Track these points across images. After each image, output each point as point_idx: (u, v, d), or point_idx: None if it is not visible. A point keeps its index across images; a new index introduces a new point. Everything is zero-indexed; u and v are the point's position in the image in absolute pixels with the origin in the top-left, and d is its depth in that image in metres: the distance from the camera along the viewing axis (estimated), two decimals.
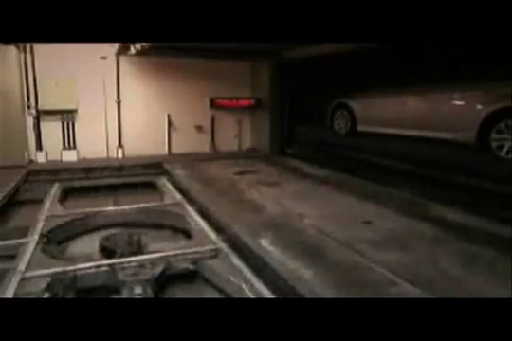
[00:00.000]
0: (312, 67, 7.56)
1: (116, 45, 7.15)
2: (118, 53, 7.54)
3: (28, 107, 7.31)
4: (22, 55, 7.12)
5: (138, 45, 6.18)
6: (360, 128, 6.89)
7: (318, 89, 7.80)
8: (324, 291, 2.34)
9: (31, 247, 3.46)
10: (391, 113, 6.16)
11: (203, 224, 4.13)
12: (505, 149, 4.45)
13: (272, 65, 8.18)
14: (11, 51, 6.99)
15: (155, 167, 7.30)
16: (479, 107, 4.71)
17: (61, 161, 7.53)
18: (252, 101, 8.67)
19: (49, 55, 7.15)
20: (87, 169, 7.07)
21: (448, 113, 5.18)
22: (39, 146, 7.47)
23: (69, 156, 7.60)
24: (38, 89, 7.28)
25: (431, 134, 5.46)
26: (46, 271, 2.94)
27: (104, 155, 7.97)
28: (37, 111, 7.35)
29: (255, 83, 8.86)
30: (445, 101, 5.24)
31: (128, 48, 6.72)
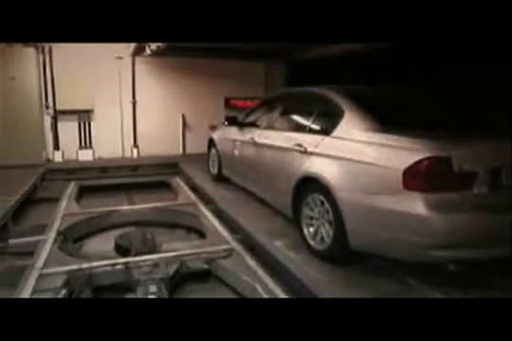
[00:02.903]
0: (326, 68, 7.49)
1: (131, 46, 7.23)
2: (134, 54, 7.63)
3: (46, 107, 7.44)
4: (40, 56, 7.25)
5: (154, 46, 6.24)
6: (225, 172, 5.53)
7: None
8: None
9: (49, 245, 3.52)
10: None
11: (217, 224, 4.14)
12: (318, 234, 3.07)
13: (286, 66, 8.16)
14: (30, 52, 7.14)
15: None
16: (295, 168, 3.43)
17: (77, 160, 7.64)
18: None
19: (66, 56, 7.27)
20: (103, 168, 7.16)
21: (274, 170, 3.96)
22: (56, 145, 7.60)
23: (85, 156, 7.72)
24: (55, 89, 7.41)
25: (261, 194, 4.34)
26: (63, 268, 2.98)
27: (119, 155, 8.07)
28: (54, 111, 7.48)
29: (269, 84, 8.86)
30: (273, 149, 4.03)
31: (144, 49, 6.79)
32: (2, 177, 6.17)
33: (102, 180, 6.80)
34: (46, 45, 7.21)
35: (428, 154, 2.44)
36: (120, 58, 7.74)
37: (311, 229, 3.19)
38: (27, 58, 7.16)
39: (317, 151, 3.24)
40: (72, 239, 4.04)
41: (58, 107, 7.47)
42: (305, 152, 3.37)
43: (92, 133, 7.81)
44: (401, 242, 2.54)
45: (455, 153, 2.45)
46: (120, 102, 7.93)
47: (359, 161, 2.79)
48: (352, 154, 2.87)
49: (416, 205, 2.44)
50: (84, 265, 3.03)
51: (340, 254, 2.93)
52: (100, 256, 3.49)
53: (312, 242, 3.14)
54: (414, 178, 2.46)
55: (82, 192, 6.14)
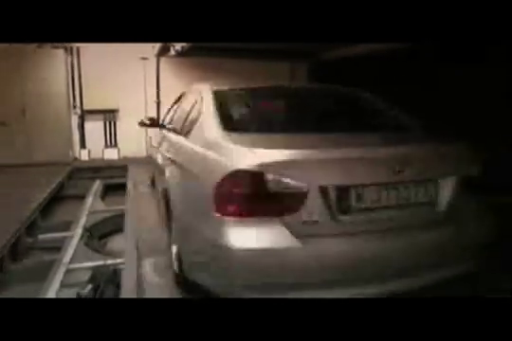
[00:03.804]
0: (351, 68, 7.37)
1: (156, 46, 7.32)
2: (159, 54, 7.72)
3: (74, 107, 7.63)
4: (69, 57, 7.44)
5: (178, 46, 6.29)
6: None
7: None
8: None
9: (75, 241, 3.61)
10: None
11: None
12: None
13: (310, 66, 8.10)
14: (59, 54, 7.34)
15: None
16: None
17: (103, 159, 7.80)
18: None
19: (93, 57, 7.44)
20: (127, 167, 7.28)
21: None
22: (82, 144, 7.78)
23: (111, 154, 7.87)
24: (83, 89, 7.58)
25: None
26: (89, 264, 3.05)
27: (144, 154, 8.19)
28: (81, 110, 7.66)
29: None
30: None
31: (168, 49, 6.86)
32: (31, 175, 6.36)
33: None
34: (74, 47, 7.40)
35: (237, 167, 1.90)
36: (145, 58, 7.85)
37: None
38: (55, 59, 7.36)
39: (173, 158, 2.87)
40: (97, 235, 4.13)
41: (85, 107, 7.64)
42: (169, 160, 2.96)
43: (117, 132, 7.96)
44: (220, 279, 2.02)
45: (276, 167, 1.86)
46: (145, 102, 8.05)
47: (191, 174, 2.36)
48: (189, 165, 2.46)
49: (224, 233, 1.89)
50: (109, 261, 3.09)
51: (186, 281, 2.34)
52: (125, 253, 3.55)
53: (174, 265, 2.59)
54: (221, 197, 1.93)
55: (107, 190, 6.26)
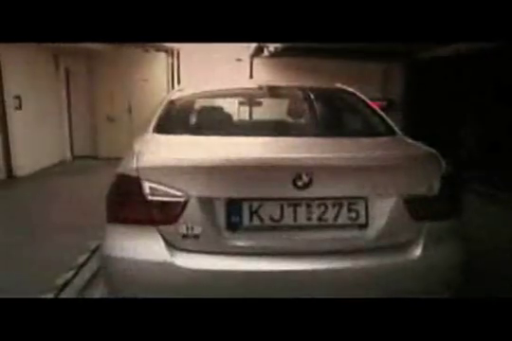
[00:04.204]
0: (452, 68, 6.75)
1: (251, 47, 7.47)
2: (253, 55, 7.87)
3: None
4: (169, 59, 7.95)
5: (272, 47, 6.35)
6: None
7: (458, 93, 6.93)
8: None
9: None
10: None
11: None
12: None
13: (405, 67, 7.66)
14: (161, 56, 7.89)
15: None
16: None
17: None
18: (384, 103, 8.21)
19: (191, 59, 7.84)
20: None
21: None
22: None
23: None
24: None
25: None
26: None
27: None
28: None
29: (389, 85, 8.42)
30: None
31: (262, 50, 6.96)
32: None
33: None
34: (175, 49, 7.86)
35: (119, 171, 1.83)
36: (240, 60, 8.06)
37: None
38: (157, 61, 7.91)
39: None
40: None
41: None
42: None
43: None
44: (106, 288, 2.03)
45: (154, 173, 1.74)
46: (238, 103, 8.26)
47: None
48: None
49: (104, 239, 1.84)
50: None
51: None
52: None
53: None
54: (107, 202, 1.84)
55: None
